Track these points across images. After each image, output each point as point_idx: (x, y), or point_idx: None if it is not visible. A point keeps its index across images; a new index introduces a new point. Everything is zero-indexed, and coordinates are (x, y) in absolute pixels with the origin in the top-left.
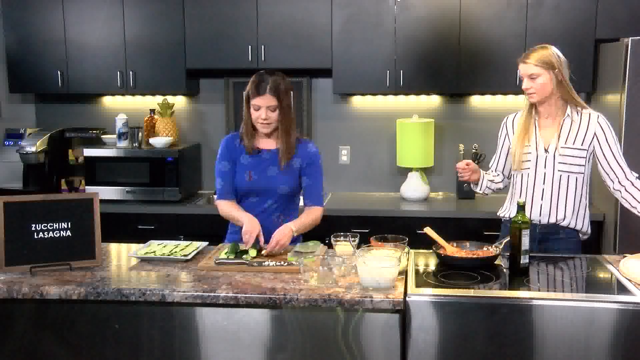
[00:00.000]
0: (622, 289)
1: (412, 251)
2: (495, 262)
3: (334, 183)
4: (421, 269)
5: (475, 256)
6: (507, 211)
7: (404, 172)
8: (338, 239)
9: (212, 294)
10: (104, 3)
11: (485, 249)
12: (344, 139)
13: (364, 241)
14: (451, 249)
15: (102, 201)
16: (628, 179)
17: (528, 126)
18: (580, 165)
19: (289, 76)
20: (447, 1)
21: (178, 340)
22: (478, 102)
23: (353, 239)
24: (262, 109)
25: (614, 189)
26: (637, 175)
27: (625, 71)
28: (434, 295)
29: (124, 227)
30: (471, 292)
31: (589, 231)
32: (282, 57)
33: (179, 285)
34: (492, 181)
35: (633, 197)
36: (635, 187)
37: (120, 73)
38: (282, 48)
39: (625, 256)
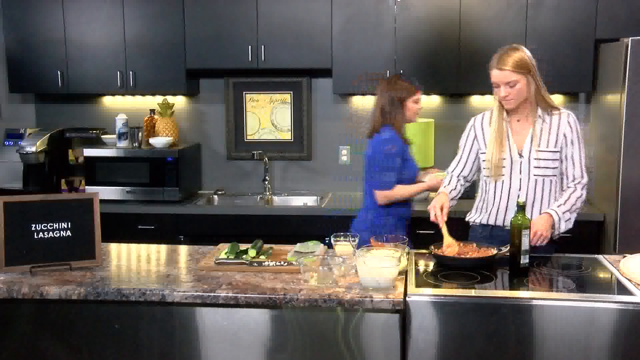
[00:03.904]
0: (622, 289)
1: (412, 251)
2: (495, 262)
3: (334, 183)
4: (421, 269)
5: (475, 256)
6: (477, 216)
7: None
8: (338, 239)
9: (212, 294)
10: (104, 3)
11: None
12: (344, 139)
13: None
14: (449, 249)
15: (102, 201)
16: (574, 180)
17: (502, 131)
18: (554, 168)
19: (289, 76)
20: (447, 1)
21: (178, 340)
22: (478, 102)
23: (353, 239)
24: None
25: (567, 186)
26: (582, 180)
27: (625, 71)
28: (434, 295)
29: (124, 227)
30: (471, 292)
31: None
32: (282, 57)
33: (179, 285)
34: (453, 199)
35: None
36: (569, 187)
37: (120, 73)
38: (282, 48)
39: (625, 256)
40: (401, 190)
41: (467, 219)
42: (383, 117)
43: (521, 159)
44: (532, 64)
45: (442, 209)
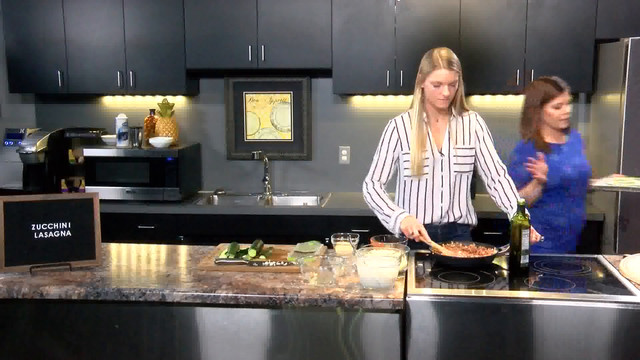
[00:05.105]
0: (622, 289)
1: (412, 251)
2: (495, 262)
3: (334, 183)
4: (421, 269)
5: (475, 256)
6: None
7: None
8: (338, 239)
9: (212, 294)
10: (104, 3)
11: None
12: (344, 139)
13: (364, 241)
14: (447, 251)
15: (102, 201)
16: (498, 174)
17: (422, 131)
18: (470, 164)
19: (289, 76)
20: (447, 1)
21: (178, 340)
22: (478, 102)
23: (353, 239)
24: (564, 105)
25: (487, 184)
26: (505, 170)
27: (625, 71)
28: (434, 295)
29: (124, 227)
30: (471, 292)
31: (476, 223)
32: (282, 57)
33: (179, 285)
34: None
35: (498, 191)
36: (500, 182)
37: (120, 73)
38: (282, 48)
39: (625, 256)
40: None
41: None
42: (521, 124)
43: (442, 157)
44: None
45: (420, 232)
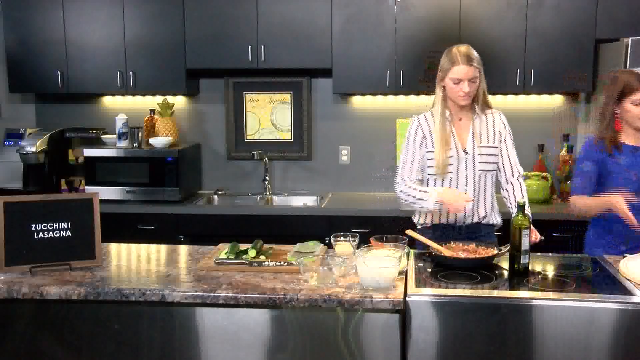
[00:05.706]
0: (622, 289)
1: (412, 251)
2: (495, 262)
3: (334, 183)
4: (421, 269)
5: (475, 256)
6: (424, 218)
7: None
8: (338, 239)
9: (212, 294)
10: (104, 3)
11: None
12: (344, 139)
13: (364, 241)
14: (447, 251)
15: (102, 201)
16: (513, 175)
17: (446, 130)
18: (494, 162)
19: (289, 76)
20: (447, 1)
21: (178, 340)
22: None
23: (353, 239)
24: None
25: (501, 186)
26: (520, 173)
27: None
28: (434, 295)
29: (124, 227)
30: (471, 292)
31: (501, 223)
32: (282, 57)
33: (179, 285)
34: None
35: (508, 192)
36: (512, 183)
37: (120, 73)
38: (282, 48)
39: (625, 256)
40: (580, 201)
41: (415, 221)
42: (598, 121)
43: (466, 155)
44: None
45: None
